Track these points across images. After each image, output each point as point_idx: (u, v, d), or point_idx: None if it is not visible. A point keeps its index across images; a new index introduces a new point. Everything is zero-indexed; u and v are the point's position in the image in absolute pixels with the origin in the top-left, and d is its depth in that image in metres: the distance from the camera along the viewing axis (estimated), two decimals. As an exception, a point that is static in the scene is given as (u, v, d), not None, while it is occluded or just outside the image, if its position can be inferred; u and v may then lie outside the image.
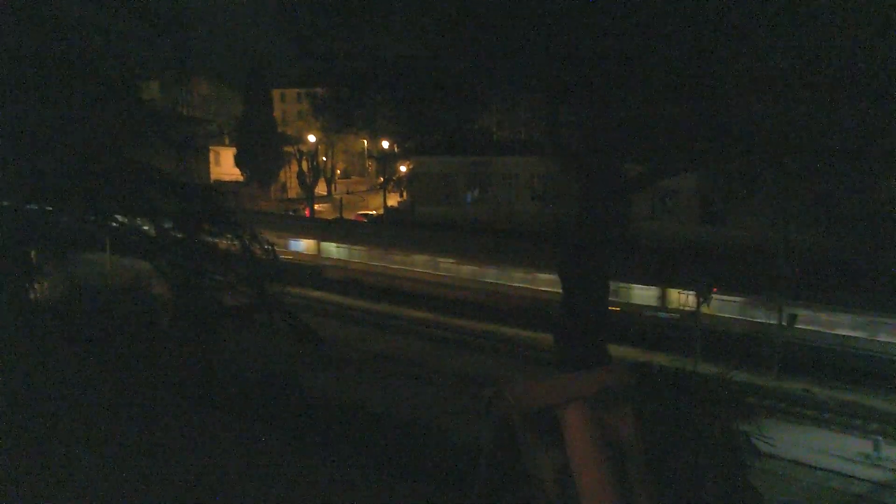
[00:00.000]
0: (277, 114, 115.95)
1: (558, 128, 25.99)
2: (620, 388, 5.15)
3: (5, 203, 21.21)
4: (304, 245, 70.15)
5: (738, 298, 45.63)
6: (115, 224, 22.19)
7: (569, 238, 26.24)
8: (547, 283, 48.54)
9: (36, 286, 23.98)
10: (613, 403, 5.05)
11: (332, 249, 67.95)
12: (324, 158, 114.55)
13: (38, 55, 19.47)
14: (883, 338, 41.23)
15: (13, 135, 18.73)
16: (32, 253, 22.91)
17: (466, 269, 58.45)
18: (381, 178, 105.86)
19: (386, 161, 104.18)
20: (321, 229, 73.63)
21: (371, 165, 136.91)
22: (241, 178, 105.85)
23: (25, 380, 16.44)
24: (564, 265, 25.90)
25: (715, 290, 41.98)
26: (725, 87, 20.20)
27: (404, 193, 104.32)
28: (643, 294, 49.11)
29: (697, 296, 41.42)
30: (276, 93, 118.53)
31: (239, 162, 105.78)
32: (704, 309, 41.99)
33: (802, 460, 31.39)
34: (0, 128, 18.44)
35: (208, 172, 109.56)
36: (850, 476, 31.03)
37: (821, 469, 31.38)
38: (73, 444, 12.50)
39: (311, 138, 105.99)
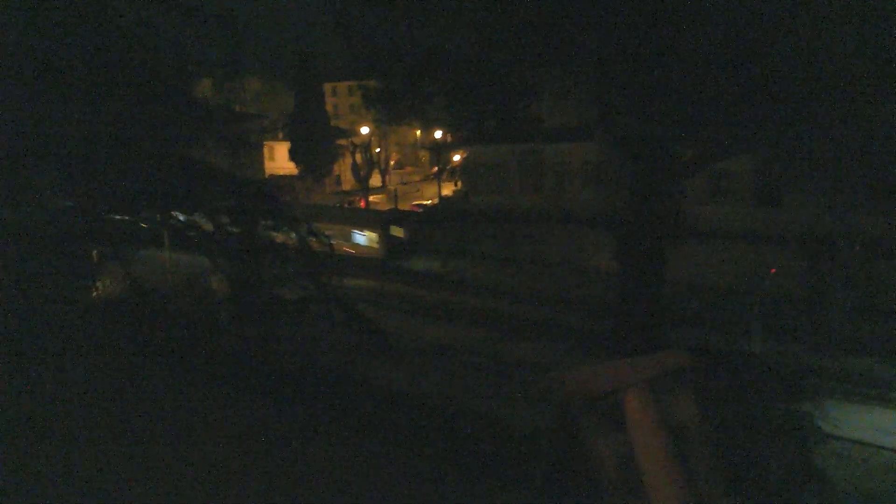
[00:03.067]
0: (329, 107, 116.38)
1: (610, 112, 25.85)
2: (680, 370, 5.09)
3: (66, 203, 21.50)
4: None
5: None
6: (173, 221, 22.43)
7: (623, 224, 26.11)
8: None
9: (97, 284, 24.30)
10: (674, 386, 4.99)
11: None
12: (377, 150, 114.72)
13: (92, 56, 19.69)
14: None
15: (69, 135, 18.97)
16: (93, 251, 23.20)
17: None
18: (435, 168, 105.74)
19: (439, 151, 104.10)
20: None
21: (424, 156, 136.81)
22: (295, 172, 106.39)
23: (87, 377, 16.68)
24: (620, 251, 25.80)
25: (773, 271, 41.67)
26: (779, 61, 20.00)
27: (458, 183, 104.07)
28: None
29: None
30: (327, 86, 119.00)
31: (293, 156, 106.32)
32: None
33: (868, 441, 30.96)
34: (56, 128, 18.67)
35: (263, 167, 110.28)
36: (919, 456, 30.58)
37: (888, 449, 30.94)
38: (134, 439, 12.66)
39: (364, 130, 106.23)
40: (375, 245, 68.26)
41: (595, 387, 5.01)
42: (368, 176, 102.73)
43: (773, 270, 41.60)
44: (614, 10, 20.52)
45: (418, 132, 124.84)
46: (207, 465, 11.68)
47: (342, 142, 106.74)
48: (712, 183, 58.17)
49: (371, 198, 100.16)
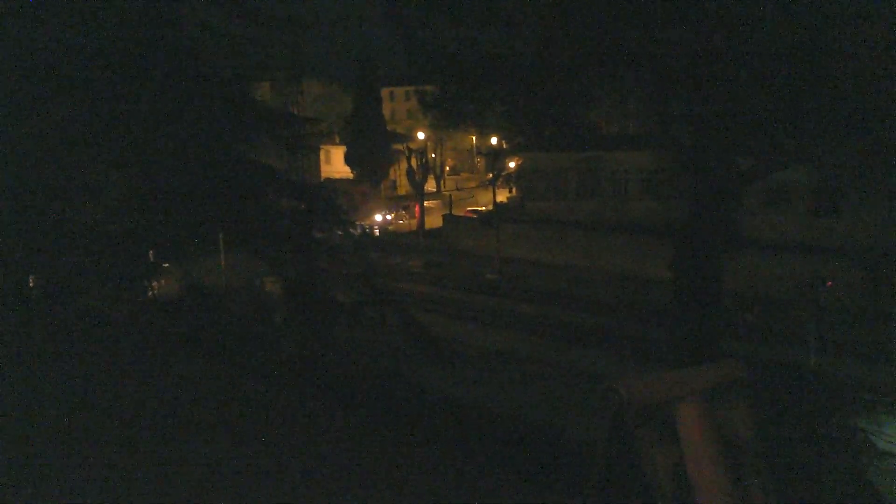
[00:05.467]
0: (387, 112, 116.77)
1: (669, 120, 25.70)
2: (735, 383, 5.08)
3: (125, 204, 21.74)
4: None
5: None
6: (229, 222, 22.61)
7: (680, 234, 25.93)
8: None
9: (154, 285, 24.54)
10: (728, 399, 4.98)
11: None
12: (433, 155, 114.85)
13: (153, 58, 19.89)
14: None
15: (129, 138, 19.18)
16: (150, 252, 23.42)
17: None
18: (490, 175, 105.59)
19: (495, 157, 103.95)
20: None
21: (480, 162, 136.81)
22: (351, 176, 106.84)
23: (143, 377, 16.85)
24: (676, 261, 25.63)
25: (829, 284, 41.13)
26: (839, 71, 19.82)
27: (513, 189, 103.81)
28: None
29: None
30: (385, 91, 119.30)
31: (349, 160, 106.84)
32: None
33: (925, 458, 30.40)
34: (116, 131, 18.88)
35: (319, 171, 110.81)
36: (977, 475, 29.97)
37: (945, 468, 30.34)
38: (187, 439, 12.76)
39: (421, 135, 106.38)
40: None
41: (649, 397, 5.00)
42: (424, 181, 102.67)
43: (830, 283, 41.04)
44: (676, 19, 20.43)
45: (474, 138, 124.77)
46: (247, 461, 11.75)
47: (398, 147, 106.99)
48: (768, 194, 57.62)
49: (426, 203, 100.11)
